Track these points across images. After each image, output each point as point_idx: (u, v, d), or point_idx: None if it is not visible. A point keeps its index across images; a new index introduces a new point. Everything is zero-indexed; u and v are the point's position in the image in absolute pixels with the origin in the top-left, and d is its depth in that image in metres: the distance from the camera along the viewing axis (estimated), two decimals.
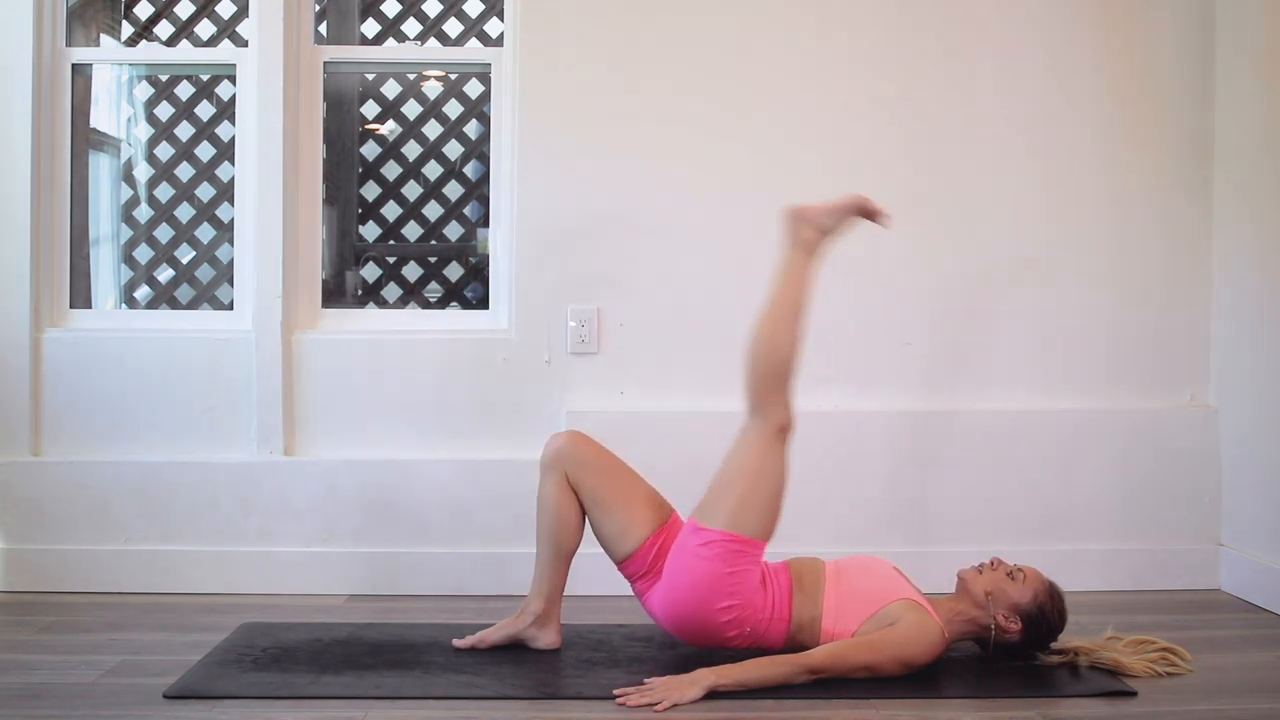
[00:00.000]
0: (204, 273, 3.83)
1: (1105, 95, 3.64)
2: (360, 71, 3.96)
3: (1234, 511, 3.57)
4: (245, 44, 3.66)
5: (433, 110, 3.96)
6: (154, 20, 3.84)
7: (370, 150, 4.02)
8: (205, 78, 3.81)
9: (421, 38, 3.90)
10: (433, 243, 3.99)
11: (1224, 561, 3.57)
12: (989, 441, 3.58)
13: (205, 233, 3.81)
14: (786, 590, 2.73)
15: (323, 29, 3.83)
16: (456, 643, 2.88)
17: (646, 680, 2.57)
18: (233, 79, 3.65)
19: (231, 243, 3.66)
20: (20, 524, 3.45)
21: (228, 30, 3.78)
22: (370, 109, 4.05)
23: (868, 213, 2.86)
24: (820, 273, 2.87)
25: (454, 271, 3.99)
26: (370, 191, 4.01)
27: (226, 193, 3.76)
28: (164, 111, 3.83)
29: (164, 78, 3.83)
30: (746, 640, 2.71)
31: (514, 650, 2.86)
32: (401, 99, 3.97)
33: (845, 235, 2.87)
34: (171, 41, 3.81)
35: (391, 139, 3.99)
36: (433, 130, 3.95)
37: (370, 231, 4.01)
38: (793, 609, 2.71)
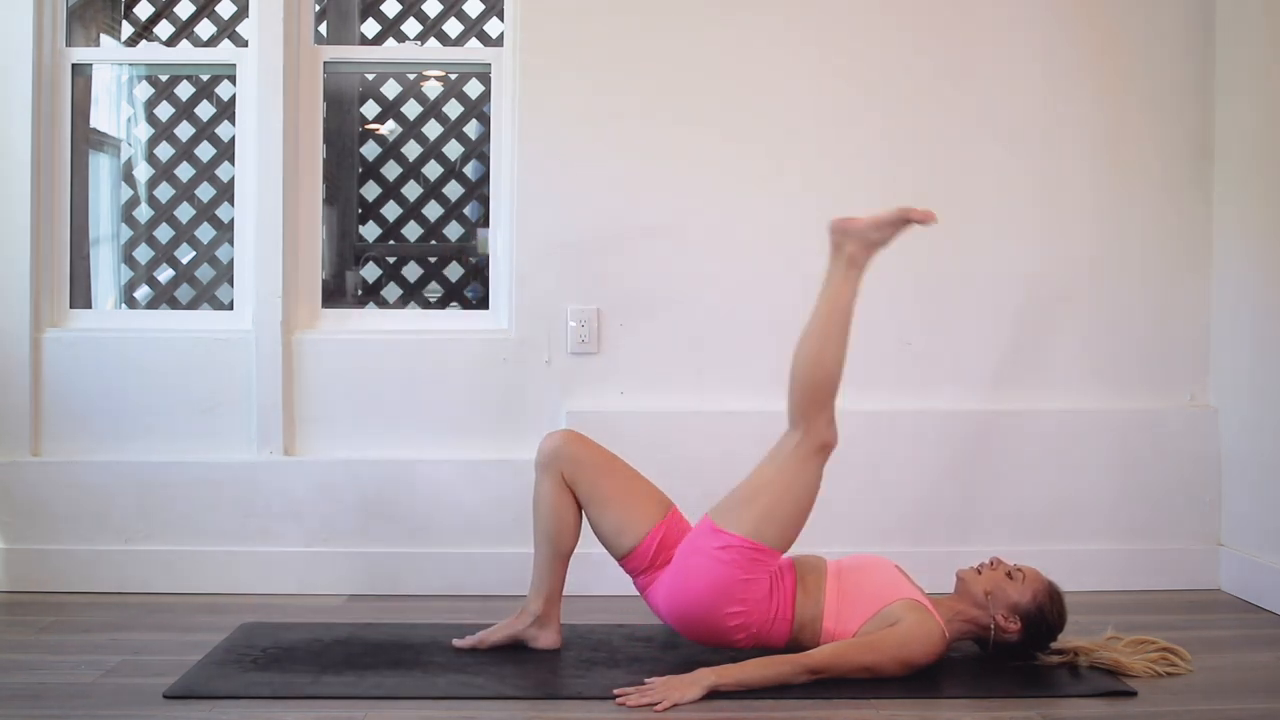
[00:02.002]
0: (204, 273, 3.83)
1: (1105, 95, 3.63)
2: (360, 71, 3.96)
3: (1234, 511, 3.57)
4: (245, 44, 3.66)
5: (433, 110, 3.96)
6: (154, 20, 3.84)
7: (370, 150, 4.02)
8: (205, 78, 3.81)
9: (421, 38, 3.90)
10: (433, 243, 3.99)
11: (1224, 561, 3.57)
12: (989, 441, 3.58)
13: (205, 233, 3.81)
14: (790, 590, 2.73)
15: (323, 29, 3.83)
16: (456, 643, 2.88)
17: (646, 680, 2.57)
18: (233, 79, 3.65)
19: (231, 243, 3.66)
20: (20, 524, 3.45)
21: (228, 30, 3.78)
22: (370, 109, 4.05)
23: (915, 220, 2.77)
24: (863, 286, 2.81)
25: (454, 271, 3.99)
26: (370, 191, 4.01)
27: (226, 193, 3.76)
28: (164, 111, 3.83)
29: (164, 78, 3.83)
30: (750, 641, 2.71)
31: (514, 650, 2.86)
32: (401, 99, 3.97)
33: (891, 246, 2.81)
34: (171, 41, 3.81)
35: (391, 139, 3.99)
36: (433, 130, 3.95)
37: (370, 231, 4.01)
38: (795, 609, 2.71)
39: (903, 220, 2.77)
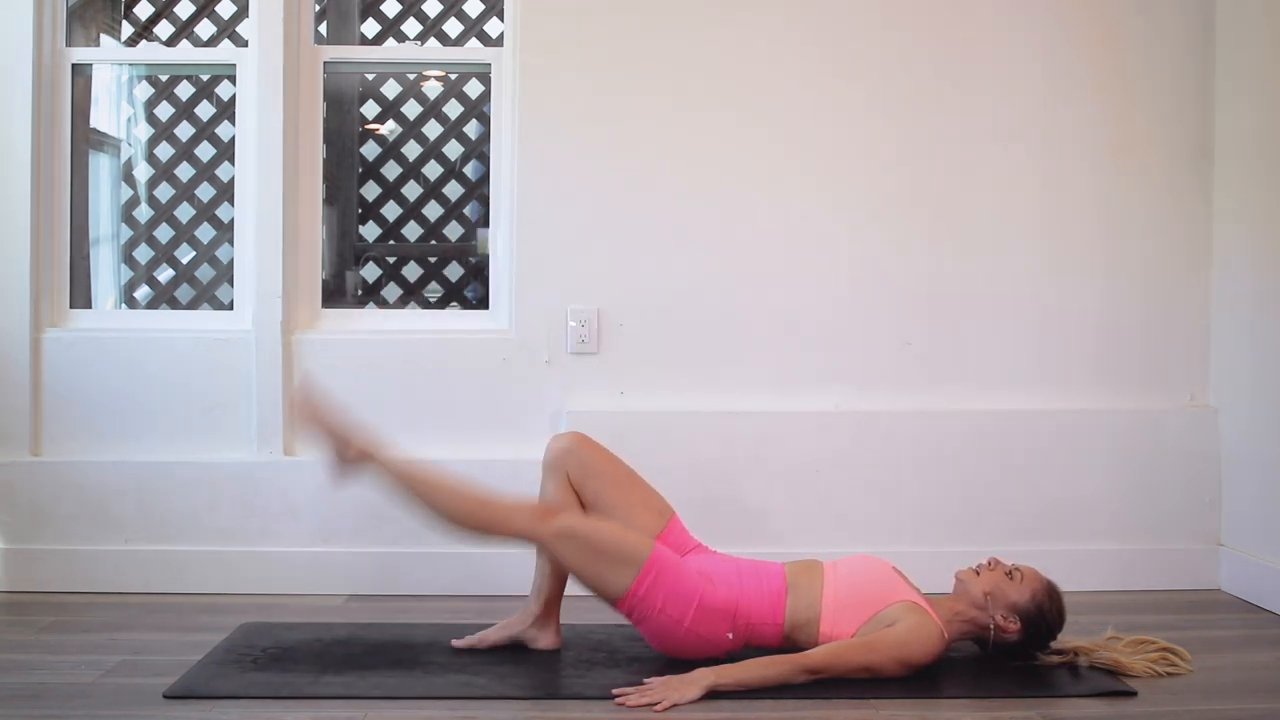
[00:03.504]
0: (204, 273, 3.83)
1: (1104, 95, 3.63)
2: (360, 71, 3.96)
3: (1234, 511, 3.57)
4: (245, 44, 3.66)
5: (433, 110, 3.96)
6: (154, 20, 3.84)
7: (370, 150, 4.02)
8: (205, 78, 3.81)
9: (421, 38, 3.90)
10: (433, 243, 3.99)
11: (1224, 561, 3.57)
12: (989, 441, 3.58)
13: (205, 233, 3.81)
14: (779, 592, 2.72)
15: (323, 29, 3.83)
16: (456, 643, 2.88)
17: (646, 680, 2.57)
18: (233, 79, 3.65)
19: (231, 243, 3.66)
20: (20, 524, 3.45)
21: (228, 30, 3.78)
22: (370, 109, 4.05)
23: (305, 409, 2.79)
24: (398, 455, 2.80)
25: (454, 271, 4.00)
26: (370, 191, 4.01)
27: (226, 193, 3.76)
28: (164, 111, 3.83)
29: (164, 78, 3.83)
30: (739, 642, 2.72)
31: (514, 650, 2.86)
32: (401, 99, 3.97)
33: (347, 427, 2.77)
34: (171, 41, 3.81)
35: (391, 139, 3.99)
36: (433, 130, 3.95)
37: (370, 231, 4.01)
38: (786, 611, 2.71)
39: (308, 415, 2.78)
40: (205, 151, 3.82)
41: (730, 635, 2.69)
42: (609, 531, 2.73)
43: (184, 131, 3.82)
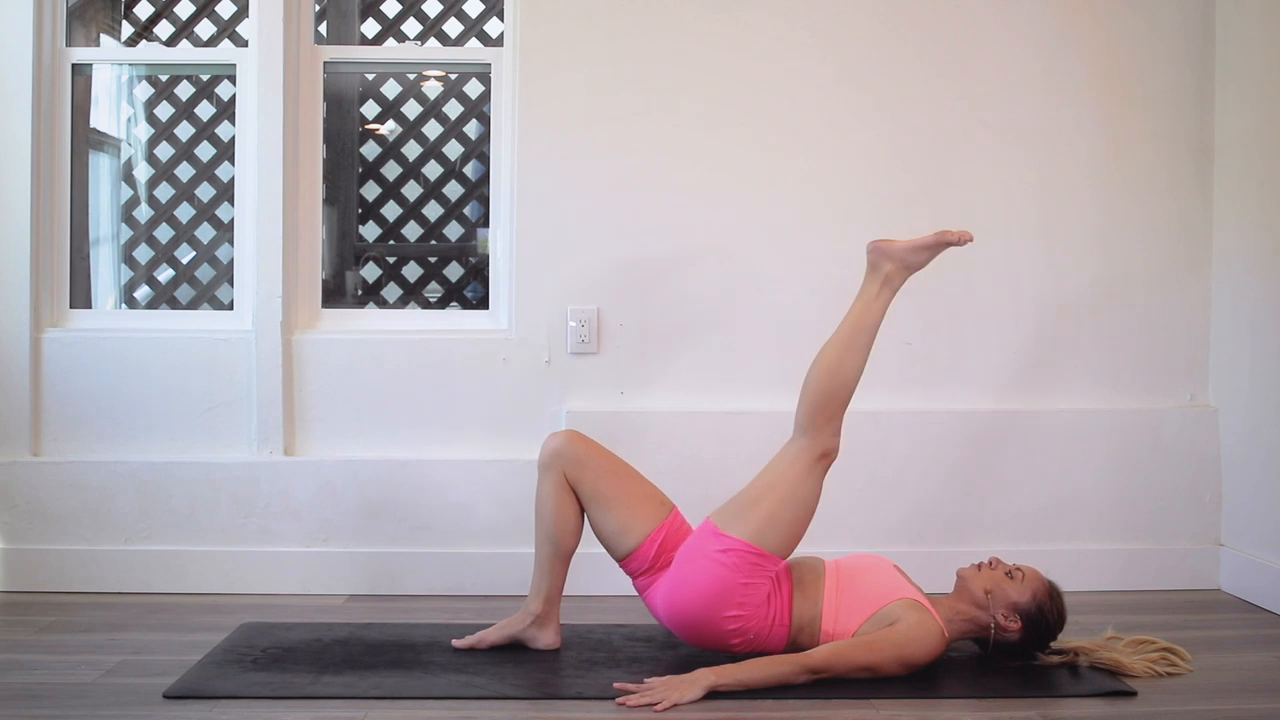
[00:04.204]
0: (204, 273, 3.83)
1: (1104, 95, 3.64)
2: (360, 71, 3.96)
3: (1234, 511, 3.57)
4: (245, 44, 3.67)
5: (433, 110, 3.95)
6: (154, 20, 3.84)
7: (370, 150, 4.02)
8: (205, 78, 3.81)
9: (421, 38, 3.90)
10: (433, 243, 3.99)
11: (1224, 561, 3.57)
12: (989, 441, 3.58)
13: (205, 233, 3.81)
14: (788, 594, 2.73)
15: (323, 29, 3.83)
16: (456, 643, 2.88)
17: (646, 680, 2.57)
18: (233, 79, 3.65)
19: (231, 243, 3.67)
20: (20, 524, 3.45)
21: (228, 30, 3.78)
22: (370, 109, 4.05)
23: (952, 242, 2.83)
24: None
25: (454, 271, 3.99)
26: (370, 191, 4.00)
27: (226, 193, 3.76)
28: (164, 111, 3.83)
29: (164, 78, 3.83)
30: (748, 646, 2.72)
31: (514, 650, 2.86)
32: (401, 99, 3.96)
33: (927, 268, 2.87)
34: (171, 41, 3.81)
35: (391, 139, 3.98)
36: (433, 130, 3.95)
37: (370, 231, 4.01)
38: (793, 612, 2.72)
39: (941, 244, 2.83)
40: (205, 151, 3.82)
41: (751, 636, 2.71)
42: (813, 510, 2.74)
43: (184, 131, 3.82)
